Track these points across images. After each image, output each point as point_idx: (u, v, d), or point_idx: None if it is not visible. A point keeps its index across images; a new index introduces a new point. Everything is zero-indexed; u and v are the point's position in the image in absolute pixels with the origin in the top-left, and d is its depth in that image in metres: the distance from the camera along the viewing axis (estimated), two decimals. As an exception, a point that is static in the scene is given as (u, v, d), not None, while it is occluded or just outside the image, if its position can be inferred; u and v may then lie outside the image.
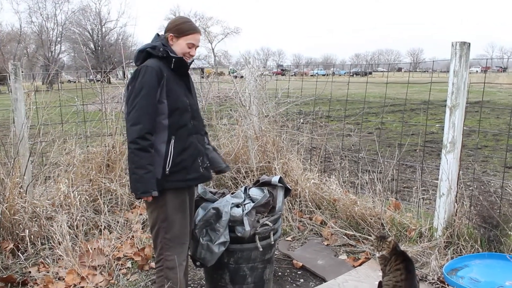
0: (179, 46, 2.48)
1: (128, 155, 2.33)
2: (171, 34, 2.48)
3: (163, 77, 2.36)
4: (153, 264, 3.31)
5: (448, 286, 2.91)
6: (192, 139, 2.47)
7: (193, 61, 2.64)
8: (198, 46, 2.56)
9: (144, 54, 2.44)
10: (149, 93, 2.31)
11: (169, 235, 2.43)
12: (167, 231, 2.43)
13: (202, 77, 7.37)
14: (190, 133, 2.47)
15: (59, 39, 46.77)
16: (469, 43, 3.25)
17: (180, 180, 2.43)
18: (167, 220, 2.42)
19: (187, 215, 2.55)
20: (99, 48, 48.27)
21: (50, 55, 44.17)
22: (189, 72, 2.58)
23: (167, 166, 2.36)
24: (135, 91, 2.33)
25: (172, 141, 2.38)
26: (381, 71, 45.73)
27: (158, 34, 2.57)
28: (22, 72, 4.22)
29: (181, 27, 2.48)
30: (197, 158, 2.49)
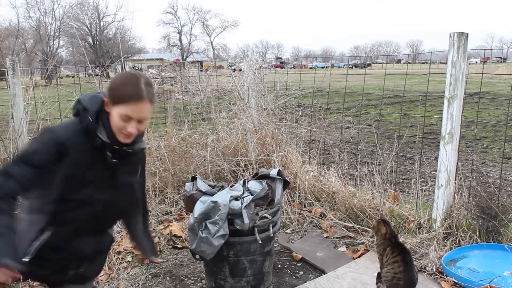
0: (113, 119, 1.71)
1: None
2: (105, 98, 1.72)
3: (67, 157, 1.68)
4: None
5: (446, 277, 2.93)
6: (78, 241, 1.82)
7: (139, 141, 1.88)
8: (144, 119, 1.73)
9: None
10: (39, 159, 1.66)
11: None
12: None
13: (201, 71, 7.38)
14: (81, 233, 1.82)
15: (57, 34, 46.72)
16: (467, 34, 3.24)
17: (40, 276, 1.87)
18: None
19: None
20: (97, 42, 48.11)
21: (48, 50, 44.08)
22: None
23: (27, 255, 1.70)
24: (28, 149, 1.74)
25: (48, 233, 1.74)
26: (380, 63, 45.64)
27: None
28: (21, 67, 4.21)
29: (116, 93, 1.68)
30: (73, 262, 1.87)
